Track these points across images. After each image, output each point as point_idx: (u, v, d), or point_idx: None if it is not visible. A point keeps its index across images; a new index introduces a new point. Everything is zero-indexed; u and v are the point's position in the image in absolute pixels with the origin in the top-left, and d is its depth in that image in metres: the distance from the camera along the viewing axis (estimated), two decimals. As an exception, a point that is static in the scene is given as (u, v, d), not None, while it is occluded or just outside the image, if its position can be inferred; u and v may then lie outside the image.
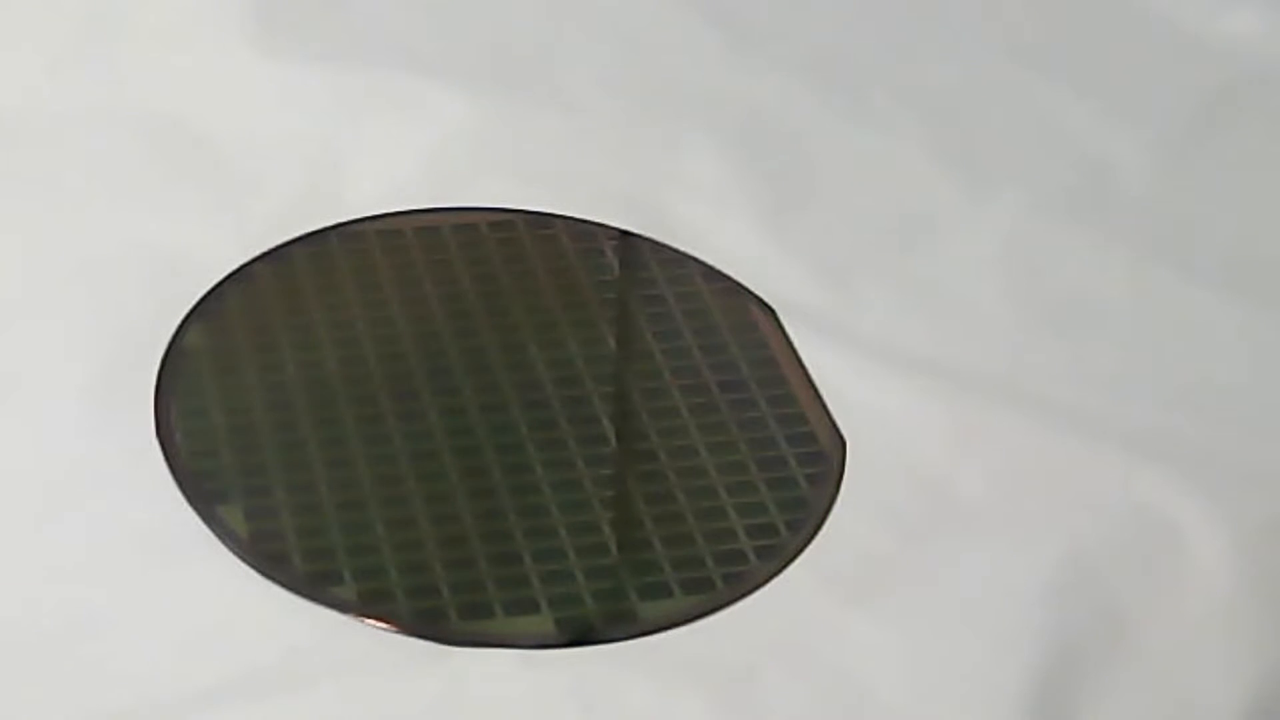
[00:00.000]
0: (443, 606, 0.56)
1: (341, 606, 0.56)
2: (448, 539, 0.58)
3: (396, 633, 0.56)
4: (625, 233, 0.70)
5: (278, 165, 0.72)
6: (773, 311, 0.68)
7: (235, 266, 0.67)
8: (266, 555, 0.57)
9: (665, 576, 0.58)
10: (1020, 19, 0.78)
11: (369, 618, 0.56)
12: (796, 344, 0.66)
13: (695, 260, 0.68)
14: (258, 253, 0.68)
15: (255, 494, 0.59)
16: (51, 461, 0.60)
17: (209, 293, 0.66)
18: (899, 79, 0.74)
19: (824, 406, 0.64)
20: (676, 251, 0.68)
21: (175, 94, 0.74)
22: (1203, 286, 0.70)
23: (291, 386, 0.61)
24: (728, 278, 0.69)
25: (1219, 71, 0.78)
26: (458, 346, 0.63)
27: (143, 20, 0.78)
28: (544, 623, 0.56)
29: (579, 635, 0.56)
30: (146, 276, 0.66)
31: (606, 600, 0.58)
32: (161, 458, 0.60)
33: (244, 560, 0.57)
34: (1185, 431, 0.64)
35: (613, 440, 0.63)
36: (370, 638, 0.55)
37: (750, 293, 0.68)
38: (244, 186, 0.71)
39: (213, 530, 0.58)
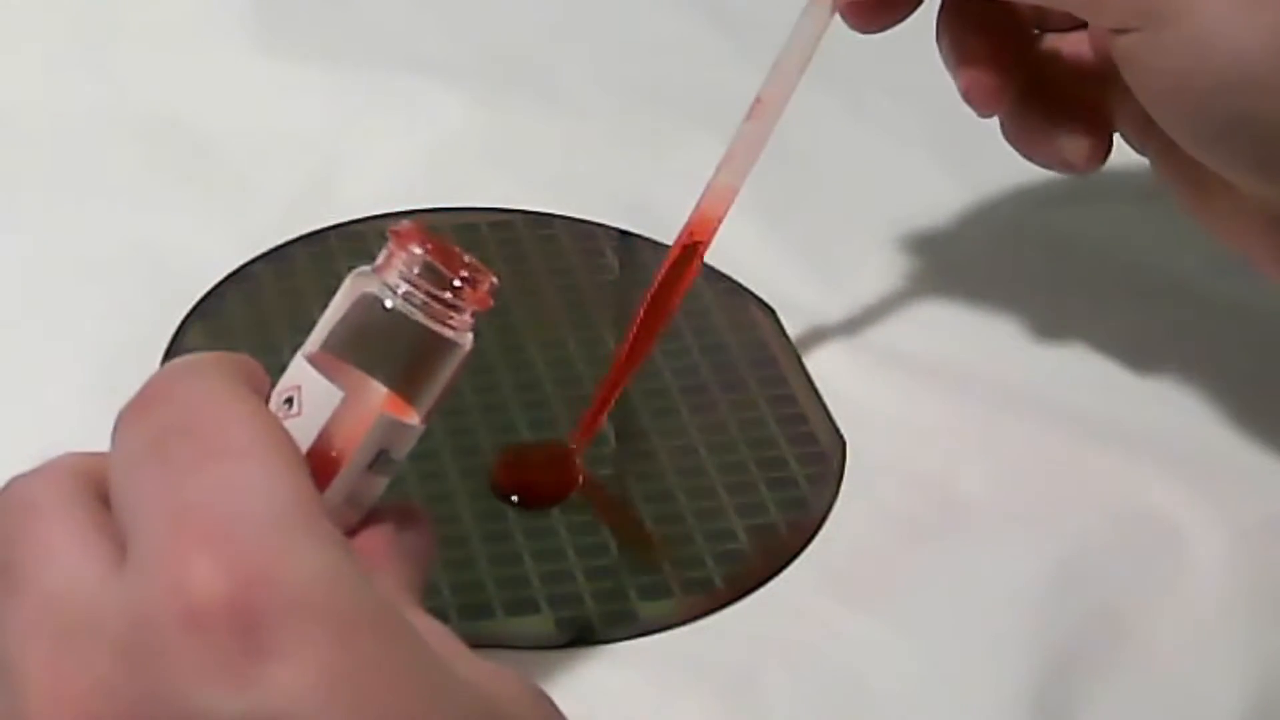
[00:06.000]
0: (443, 606, 0.56)
1: (341, 607, 0.56)
2: (448, 539, 0.58)
3: (396, 633, 0.55)
4: (625, 233, 0.70)
5: (278, 165, 0.72)
6: (773, 311, 0.68)
7: (235, 266, 0.67)
8: (266, 555, 0.57)
9: (665, 576, 0.58)
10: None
11: (369, 618, 0.56)
12: (796, 344, 0.66)
13: (695, 260, 0.68)
14: (258, 253, 0.68)
15: (255, 494, 0.59)
16: (52, 462, 0.59)
17: (209, 293, 0.66)
18: (899, 79, 0.74)
19: (824, 406, 0.64)
20: (677, 252, 0.68)
21: (175, 94, 0.74)
22: (1203, 285, 0.70)
23: (291, 386, 0.61)
24: (728, 278, 0.69)
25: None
26: (457, 346, 0.63)
27: (142, 20, 0.78)
28: (544, 623, 0.56)
29: (579, 635, 0.56)
30: (146, 276, 0.66)
31: (606, 600, 0.58)
32: (161, 458, 0.59)
33: (244, 560, 0.57)
34: (1185, 431, 0.64)
35: (613, 440, 0.62)
36: (370, 638, 0.55)
37: (750, 293, 0.68)
38: (244, 186, 0.71)
39: (213, 530, 0.58)
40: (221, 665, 0.36)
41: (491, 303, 0.42)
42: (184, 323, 0.64)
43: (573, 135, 0.75)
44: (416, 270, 0.41)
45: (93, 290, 0.66)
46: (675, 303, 0.60)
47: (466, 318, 0.42)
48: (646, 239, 0.69)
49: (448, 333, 0.42)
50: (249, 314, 0.65)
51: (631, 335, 0.59)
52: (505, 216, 0.70)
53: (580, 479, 0.61)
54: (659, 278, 0.60)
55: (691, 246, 0.60)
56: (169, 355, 0.63)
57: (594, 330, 0.63)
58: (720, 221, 0.59)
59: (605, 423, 0.62)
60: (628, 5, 0.81)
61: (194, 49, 0.77)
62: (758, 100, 0.59)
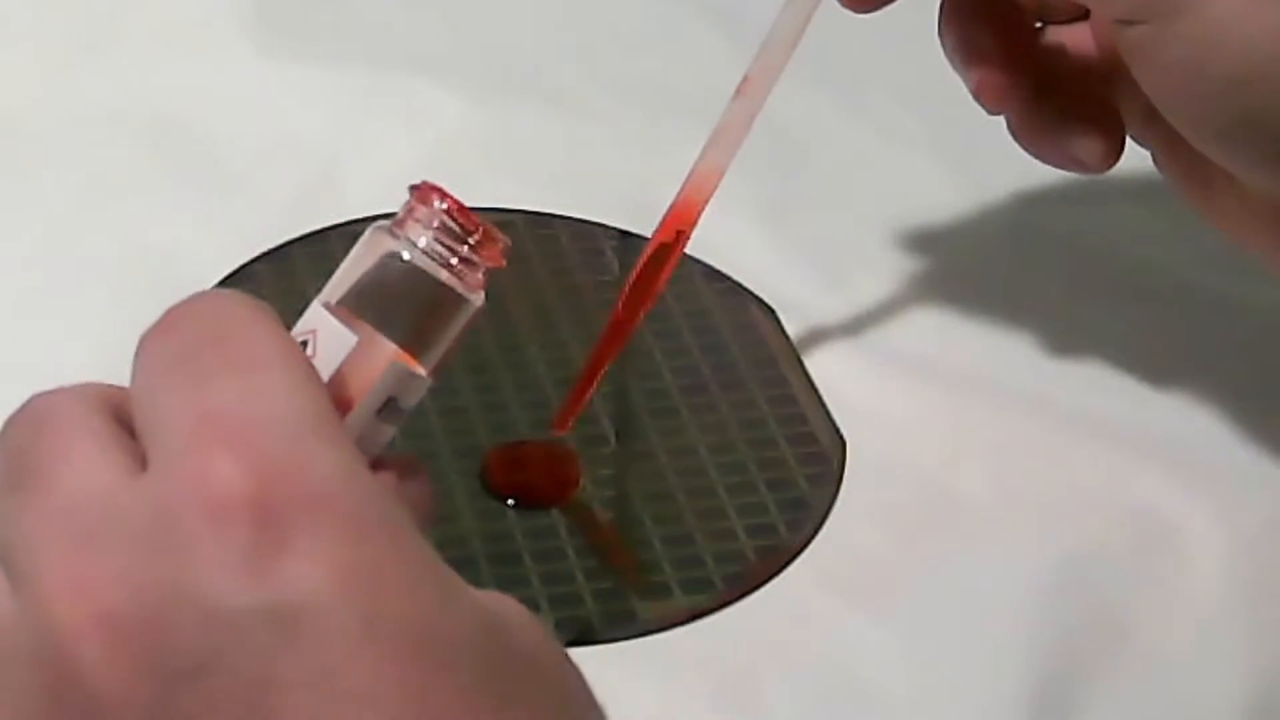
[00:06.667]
0: (443, 606, 0.56)
1: (341, 607, 0.56)
2: (448, 539, 0.58)
3: (396, 633, 0.55)
4: (625, 233, 0.70)
5: (278, 165, 0.72)
6: (773, 311, 0.68)
7: (235, 266, 0.67)
8: (266, 555, 0.57)
9: (665, 576, 0.58)
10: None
11: (369, 618, 0.56)
12: (796, 344, 0.66)
13: (695, 260, 0.68)
14: (258, 253, 0.68)
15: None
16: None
17: (209, 293, 0.66)
18: (899, 79, 0.74)
19: (824, 406, 0.64)
20: (677, 251, 0.68)
21: (175, 94, 0.74)
22: (1203, 285, 0.70)
23: (291, 386, 0.61)
24: (728, 278, 0.69)
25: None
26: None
27: (143, 20, 0.78)
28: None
29: (579, 635, 0.56)
30: (146, 276, 0.66)
31: (606, 600, 0.58)
32: (161, 458, 0.59)
33: (244, 560, 0.57)
34: (1185, 431, 0.64)
35: (613, 440, 0.62)
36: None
37: (750, 293, 0.68)
38: (244, 186, 0.71)
39: (213, 530, 0.58)
40: (241, 558, 0.36)
41: (504, 262, 0.43)
42: (184, 323, 0.64)
43: (573, 135, 0.75)
44: (435, 224, 0.42)
45: (93, 290, 0.66)
46: (660, 285, 0.59)
47: (479, 276, 0.43)
48: (646, 239, 0.69)
49: (460, 288, 0.43)
50: (249, 314, 0.65)
51: (614, 318, 0.59)
52: (505, 216, 0.70)
53: (579, 479, 0.61)
54: (643, 258, 0.59)
55: (678, 225, 0.59)
56: (169, 355, 0.63)
57: (594, 330, 0.62)
58: (705, 203, 0.59)
59: (606, 423, 0.62)
60: (628, 5, 0.81)
61: (194, 49, 0.77)
62: (745, 79, 0.59)
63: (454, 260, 0.42)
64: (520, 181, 0.72)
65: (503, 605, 0.40)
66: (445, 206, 0.42)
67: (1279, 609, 0.59)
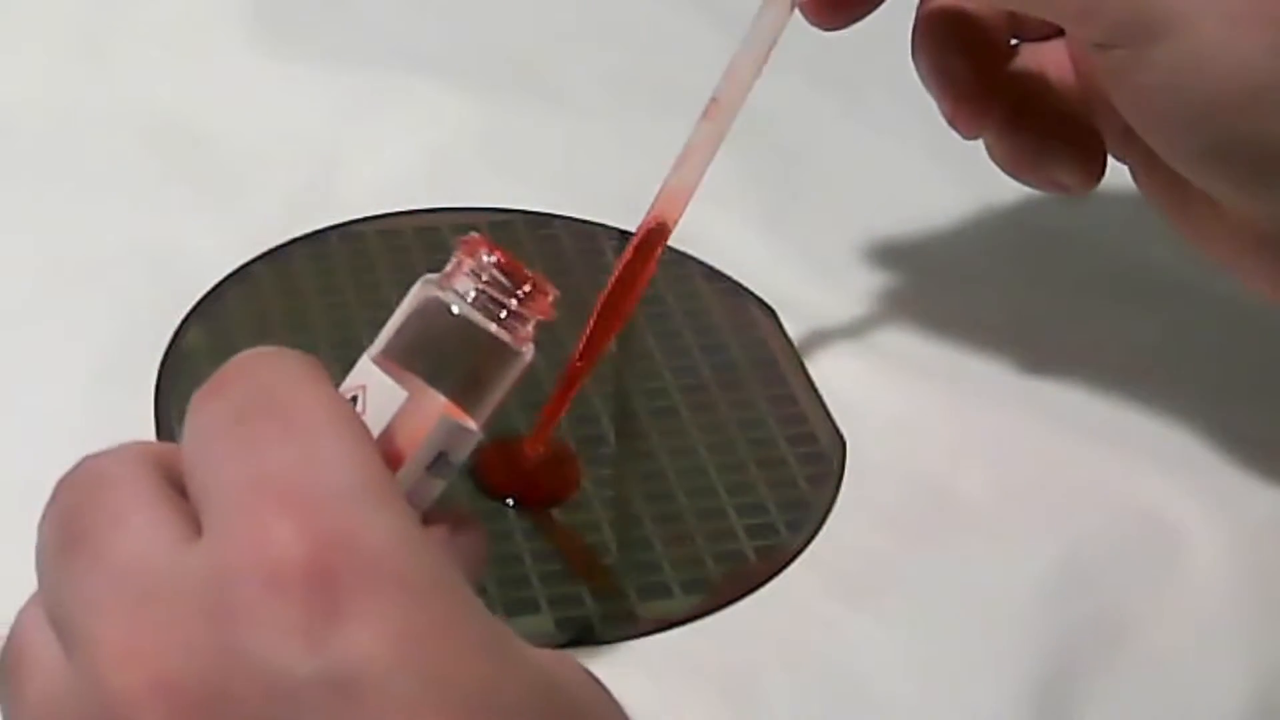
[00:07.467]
0: (443, 607, 0.56)
1: (341, 607, 0.56)
2: (448, 539, 0.58)
3: (396, 633, 0.55)
4: (625, 233, 0.70)
5: (278, 165, 0.72)
6: (773, 311, 0.68)
7: (235, 266, 0.67)
8: (266, 555, 0.57)
9: (665, 576, 0.58)
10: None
11: (369, 618, 0.56)
12: (796, 344, 0.66)
13: (695, 260, 0.68)
14: (258, 253, 0.68)
15: (255, 494, 0.59)
16: (51, 463, 0.59)
17: (209, 293, 0.66)
18: (899, 79, 0.74)
19: (824, 406, 0.64)
20: (676, 251, 0.68)
21: (175, 94, 0.74)
22: (1203, 285, 0.70)
23: (291, 386, 0.61)
24: (728, 278, 0.69)
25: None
26: (457, 347, 0.63)
27: (142, 20, 0.78)
28: (544, 623, 0.56)
29: (579, 635, 0.56)
30: (146, 276, 0.66)
31: (606, 600, 0.58)
32: (161, 458, 0.59)
33: (244, 560, 0.57)
34: (1185, 431, 0.64)
35: (613, 440, 0.63)
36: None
37: (750, 293, 0.68)
38: (244, 186, 0.71)
39: (213, 530, 0.58)
40: (299, 626, 0.36)
41: (554, 315, 0.43)
42: (184, 323, 0.64)
43: (573, 135, 0.75)
44: (485, 278, 0.42)
45: (93, 290, 0.66)
46: (631, 304, 0.59)
47: (529, 328, 0.43)
48: (646, 239, 0.69)
49: (510, 340, 0.42)
50: (249, 314, 0.65)
51: (584, 339, 0.59)
52: (505, 216, 0.70)
53: (579, 479, 0.61)
54: (613, 278, 0.59)
55: (647, 247, 0.59)
56: (169, 355, 0.63)
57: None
58: (674, 226, 0.59)
59: (606, 423, 0.62)
60: (629, 5, 0.82)
61: (194, 49, 0.77)
62: (713, 100, 0.59)
63: (503, 313, 0.42)
64: (520, 181, 0.72)
65: (559, 663, 0.39)
66: (495, 259, 0.42)
67: (1279, 609, 0.59)
